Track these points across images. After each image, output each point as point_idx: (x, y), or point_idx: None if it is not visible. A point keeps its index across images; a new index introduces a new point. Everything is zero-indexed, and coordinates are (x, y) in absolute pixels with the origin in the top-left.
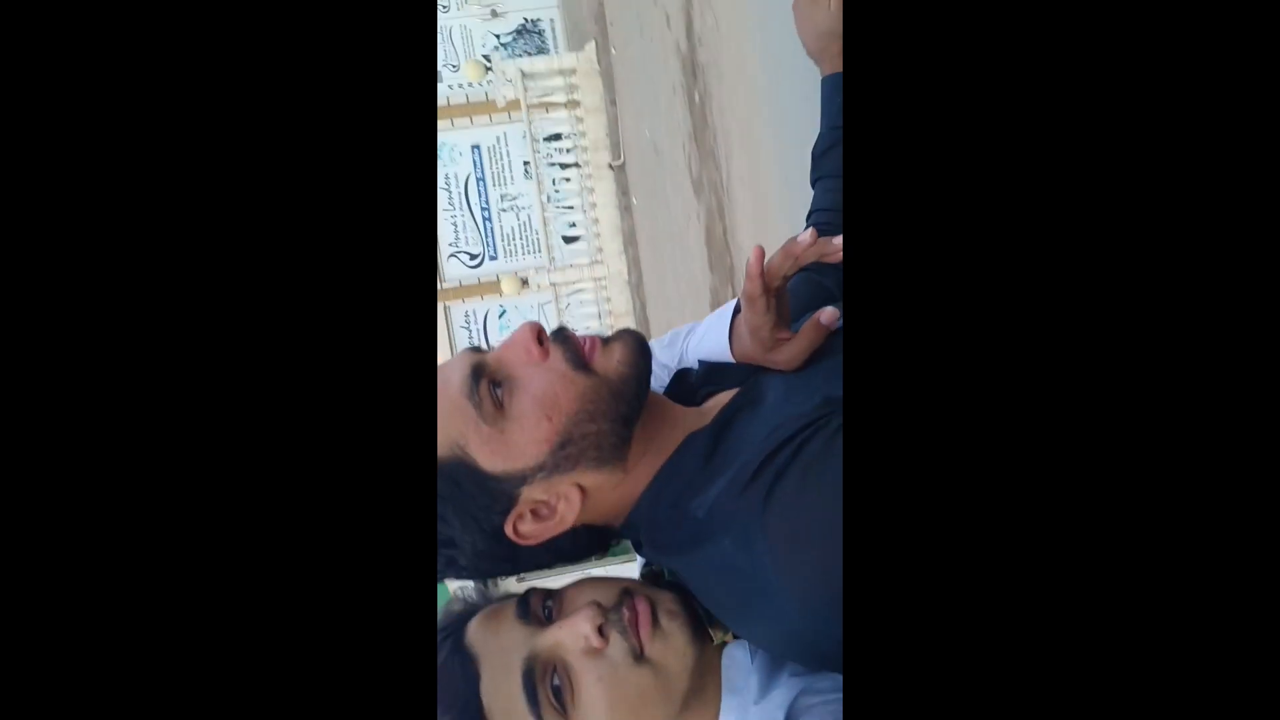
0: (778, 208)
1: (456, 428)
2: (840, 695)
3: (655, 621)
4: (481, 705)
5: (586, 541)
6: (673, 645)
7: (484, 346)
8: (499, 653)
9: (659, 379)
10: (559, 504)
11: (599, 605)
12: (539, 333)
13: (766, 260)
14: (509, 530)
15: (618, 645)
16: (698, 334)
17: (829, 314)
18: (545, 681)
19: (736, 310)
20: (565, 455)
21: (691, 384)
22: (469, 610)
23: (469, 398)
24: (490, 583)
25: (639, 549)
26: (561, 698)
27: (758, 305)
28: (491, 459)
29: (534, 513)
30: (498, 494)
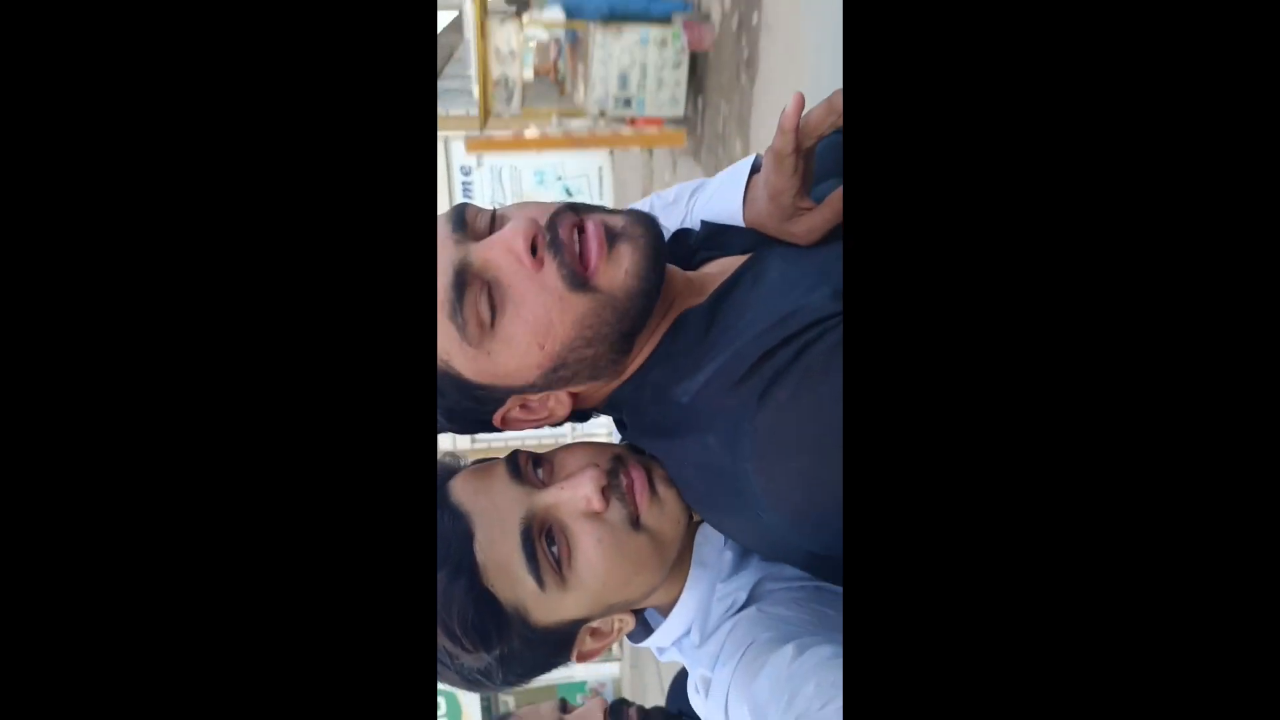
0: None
1: (440, 343)
2: (800, 584)
3: (652, 489)
4: (476, 561)
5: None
6: (668, 513)
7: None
8: (494, 511)
9: None
10: (550, 401)
11: (598, 468)
12: (533, 240)
13: (805, 113)
14: (496, 421)
15: (616, 510)
16: (707, 191)
17: None
18: (542, 541)
19: (754, 169)
20: (558, 377)
21: (690, 245)
22: (448, 470)
23: (452, 318)
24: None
25: (620, 428)
26: (559, 558)
27: (785, 165)
28: (478, 375)
29: (523, 405)
30: (485, 399)
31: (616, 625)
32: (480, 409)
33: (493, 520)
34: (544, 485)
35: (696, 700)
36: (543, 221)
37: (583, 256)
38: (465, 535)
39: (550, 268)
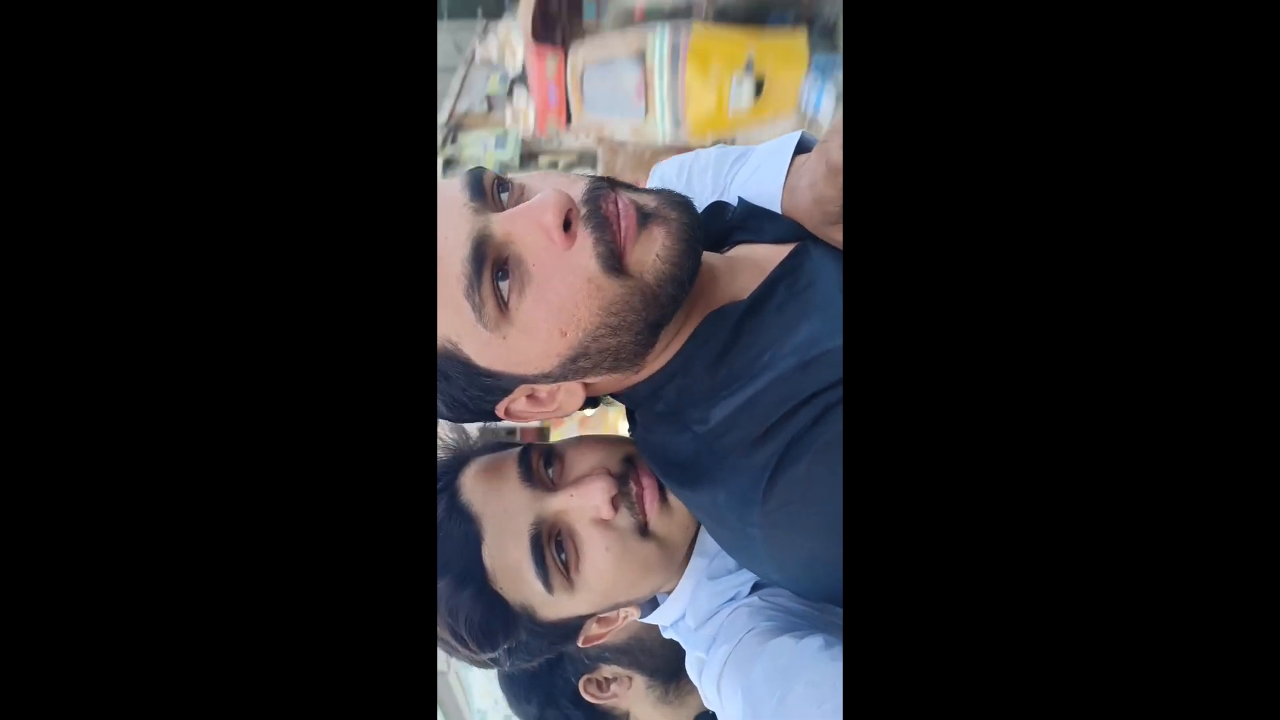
0: None
1: (451, 324)
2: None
3: (662, 497)
4: (484, 567)
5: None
6: (677, 520)
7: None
8: (503, 515)
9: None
10: (559, 393)
11: (609, 474)
12: (567, 214)
13: None
14: (500, 412)
15: (625, 518)
16: (749, 164)
17: None
18: (551, 546)
19: (799, 148)
20: (576, 368)
21: (726, 222)
22: (458, 458)
23: (467, 296)
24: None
25: (630, 423)
26: (567, 563)
27: (840, 177)
28: (490, 361)
29: (531, 396)
30: (492, 388)
31: (622, 615)
32: (485, 398)
33: (503, 525)
34: (554, 487)
35: (692, 675)
36: (576, 195)
37: (619, 235)
38: (474, 540)
39: (584, 245)
